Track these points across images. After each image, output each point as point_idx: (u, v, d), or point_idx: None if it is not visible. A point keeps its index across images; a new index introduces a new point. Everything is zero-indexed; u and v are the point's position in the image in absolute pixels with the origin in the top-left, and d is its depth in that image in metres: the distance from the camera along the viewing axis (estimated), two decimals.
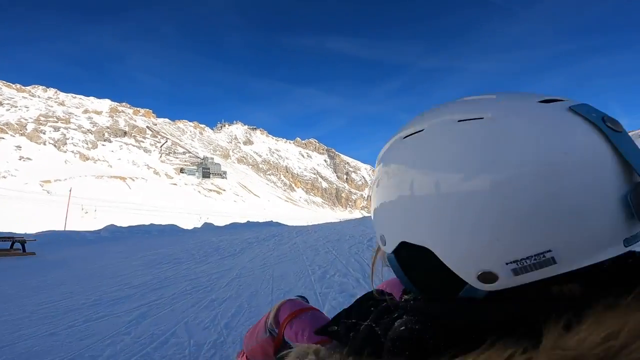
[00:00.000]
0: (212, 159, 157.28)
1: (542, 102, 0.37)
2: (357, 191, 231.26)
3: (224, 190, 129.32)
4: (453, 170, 0.36)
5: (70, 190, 39.62)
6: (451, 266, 0.37)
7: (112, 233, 10.14)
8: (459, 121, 0.38)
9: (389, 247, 0.43)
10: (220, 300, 3.06)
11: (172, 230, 12.55)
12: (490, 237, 0.34)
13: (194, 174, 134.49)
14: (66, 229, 18.38)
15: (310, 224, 17.10)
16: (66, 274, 4.64)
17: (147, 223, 13.96)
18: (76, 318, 2.68)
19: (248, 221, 19.88)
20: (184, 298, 3.21)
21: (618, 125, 0.34)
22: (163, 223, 14.26)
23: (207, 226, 15.27)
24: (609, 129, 0.34)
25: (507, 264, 0.34)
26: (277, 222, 21.06)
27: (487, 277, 0.35)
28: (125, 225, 13.19)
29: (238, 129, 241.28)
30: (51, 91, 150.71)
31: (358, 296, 0.58)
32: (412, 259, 0.41)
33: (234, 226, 15.94)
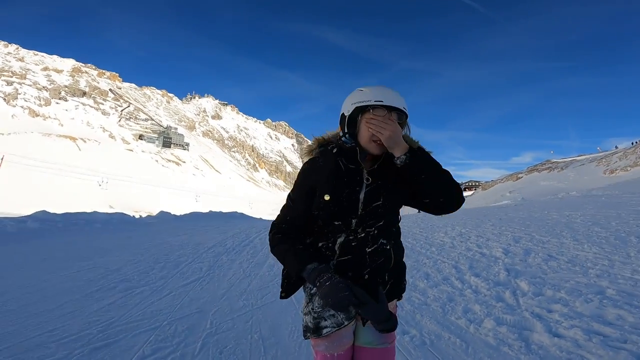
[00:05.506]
0: (176, 129, 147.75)
1: None
2: None
3: (184, 162, 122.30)
4: None
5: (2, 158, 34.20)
6: None
7: (43, 223, 8.28)
8: None
9: None
10: None
11: (120, 221, 10.79)
12: None
13: (154, 142, 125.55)
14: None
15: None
16: None
17: (88, 210, 12.02)
18: None
19: (210, 211, 18.32)
20: None
21: None
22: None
23: (164, 216, 13.56)
24: None
25: None
26: (241, 214, 19.68)
27: None
28: (59, 211, 11.18)
29: (208, 103, 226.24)
30: (12, 47, 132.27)
31: None
32: None
33: (195, 217, 14.37)
